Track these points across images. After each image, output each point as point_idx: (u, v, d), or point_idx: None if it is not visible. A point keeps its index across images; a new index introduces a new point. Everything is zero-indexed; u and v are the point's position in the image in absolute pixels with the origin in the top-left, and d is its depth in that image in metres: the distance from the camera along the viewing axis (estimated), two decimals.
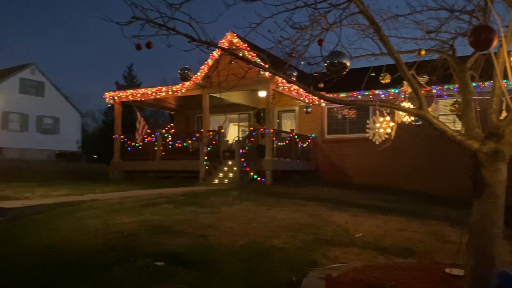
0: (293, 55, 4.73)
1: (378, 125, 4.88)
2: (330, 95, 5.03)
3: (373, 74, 6.04)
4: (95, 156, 37.95)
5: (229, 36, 15.40)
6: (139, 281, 4.26)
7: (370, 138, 4.93)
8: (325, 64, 3.61)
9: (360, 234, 6.66)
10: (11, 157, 29.30)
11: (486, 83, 5.44)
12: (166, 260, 4.90)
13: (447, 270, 4.71)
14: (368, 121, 4.99)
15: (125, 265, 4.69)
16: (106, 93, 18.19)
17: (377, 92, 15.24)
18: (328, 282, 4.42)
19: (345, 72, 3.63)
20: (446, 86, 8.65)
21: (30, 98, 33.92)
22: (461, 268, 4.39)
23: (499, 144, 3.91)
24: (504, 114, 4.27)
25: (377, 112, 4.85)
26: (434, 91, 6.98)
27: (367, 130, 5.00)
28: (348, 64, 3.61)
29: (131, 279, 4.30)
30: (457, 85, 4.94)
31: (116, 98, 17.93)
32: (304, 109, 14.05)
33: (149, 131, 17.06)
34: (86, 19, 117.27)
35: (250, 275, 4.55)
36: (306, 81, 5.06)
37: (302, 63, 4.81)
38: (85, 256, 5.13)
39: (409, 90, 5.76)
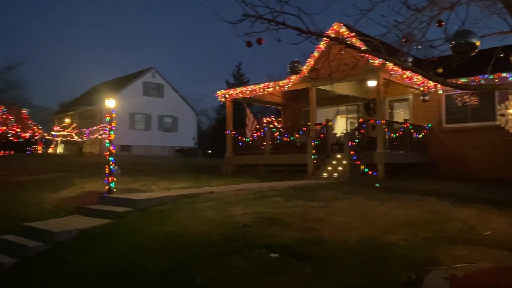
0: (408, 39, 4.44)
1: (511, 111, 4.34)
2: (451, 81, 4.58)
3: (502, 55, 5.39)
4: (209, 151, 40.27)
5: (335, 26, 15.05)
6: (256, 271, 4.40)
7: (502, 126, 4.41)
8: (451, 46, 3.28)
9: (488, 232, 6.03)
10: (137, 153, 32.54)
11: None
12: (279, 252, 4.99)
13: None
14: (498, 107, 4.46)
15: (242, 255, 4.88)
16: (218, 92, 19.14)
17: (504, 75, 13.60)
18: (453, 283, 4.08)
19: (473, 53, 3.26)
20: None
21: (152, 99, 37.22)
22: None
23: None
24: None
25: (510, 97, 4.31)
26: None
27: (498, 118, 4.48)
28: (477, 43, 3.24)
29: (248, 269, 4.46)
30: None
31: (227, 96, 18.77)
32: (421, 97, 13.13)
33: (258, 126, 17.57)
34: (198, 22, 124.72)
35: (366, 271, 4.41)
36: (422, 67, 4.71)
37: (419, 47, 4.48)
38: (206, 245, 5.46)
39: None
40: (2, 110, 17.74)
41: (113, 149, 9.80)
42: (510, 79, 13.50)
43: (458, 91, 14.86)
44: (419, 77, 14.43)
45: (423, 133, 15.93)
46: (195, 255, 5.20)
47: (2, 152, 21.75)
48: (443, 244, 5.42)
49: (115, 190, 9.82)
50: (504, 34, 4.74)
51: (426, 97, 12.74)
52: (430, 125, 16.17)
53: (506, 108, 4.44)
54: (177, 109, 38.82)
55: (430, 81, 14.98)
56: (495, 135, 13.39)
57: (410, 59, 5.68)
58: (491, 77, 13.75)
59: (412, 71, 4.17)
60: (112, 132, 9.84)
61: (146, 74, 37.82)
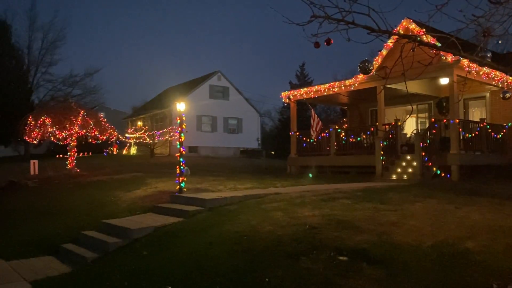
0: (487, 34, 4.16)
1: None
2: None
3: None
4: (273, 152, 40.50)
5: (404, 22, 14.52)
6: (326, 273, 4.37)
7: None
8: None
9: None
10: (204, 154, 33.57)
11: None
12: (349, 255, 4.91)
13: None
14: None
15: (310, 257, 4.87)
16: (282, 93, 19.20)
17: None
18: None
19: None
20: None
21: (217, 102, 38.22)
22: None
23: None
24: None
25: None
26: None
27: None
28: None
29: (318, 271, 4.44)
30: None
31: (291, 97, 18.77)
32: (501, 95, 12.23)
33: (323, 127, 17.37)
34: (262, 23, 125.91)
35: (442, 278, 4.20)
36: (503, 62, 4.41)
37: (500, 42, 4.18)
38: (273, 245, 5.51)
39: None
40: (83, 114, 19.08)
41: (183, 151, 10.19)
42: None
43: None
44: (498, 73, 13.47)
45: (502, 133, 14.85)
46: (263, 255, 5.27)
47: (82, 153, 23.47)
48: None
49: (185, 189, 10.21)
50: None
51: (507, 95, 11.84)
52: (510, 124, 15.03)
53: None
54: (241, 110, 39.53)
55: (510, 77, 13.93)
56: None
57: (489, 55, 5.33)
58: None
59: (491, 67, 3.91)
60: (182, 134, 10.25)
61: (212, 78, 38.92)
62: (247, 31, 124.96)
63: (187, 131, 10.93)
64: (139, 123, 34.49)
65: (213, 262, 5.39)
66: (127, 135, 29.02)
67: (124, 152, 33.69)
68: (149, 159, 26.49)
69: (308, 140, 17.56)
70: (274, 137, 47.59)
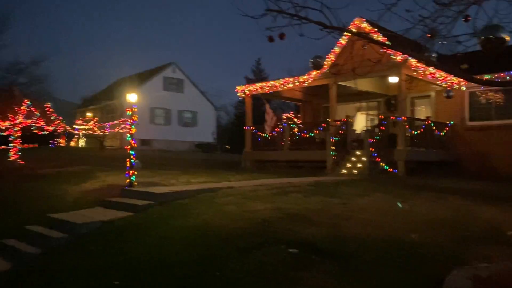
0: (433, 35, 4.35)
1: None
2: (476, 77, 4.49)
3: None
4: (228, 147, 40.45)
5: (357, 21, 14.89)
6: (278, 266, 4.42)
7: None
8: (479, 41, 3.22)
9: None
10: (157, 148, 32.93)
11: None
12: (299, 248, 4.99)
13: None
14: None
15: (263, 250, 4.90)
16: (237, 87, 19.18)
17: None
18: (476, 282, 4.01)
19: (502, 49, 3.19)
20: None
21: (172, 94, 37.56)
22: None
23: None
24: None
25: None
26: None
27: None
28: (507, 38, 3.16)
29: (270, 264, 4.48)
30: None
31: (246, 91, 18.79)
32: (445, 94, 12.87)
33: (278, 123, 17.55)
34: (218, 17, 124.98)
35: (389, 269, 4.37)
36: (447, 63, 4.63)
37: (444, 43, 4.39)
38: (226, 239, 5.50)
39: None
40: (28, 104, 18.12)
41: (134, 143, 9.93)
42: None
43: (482, 87, 14.52)
44: (442, 73, 14.15)
45: (445, 131, 15.65)
46: (216, 250, 5.25)
47: (27, 145, 22.32)
48: (467, 243, 5.33)
49: (136, 183, 9.96)
50: None
51: (451, 94, 12.48)
52: (452, 122, 15.88)
53: None
54: (197, 104, 39.12)
55: (454, 78, 14.69)
56: None
57: (434, 55, 5.58)
58: None
59: (437, 67, 4.10)
60: (133, 126, 9.98)
61: (167, 69, 38.19)
62: (204, 23, 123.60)
63: (138, 124, 10.66)
64: (89, 114, 33.24)
65: (164, 257, 5.30)
66: (75, 126, 27.87)
67: (72, 144, 32.38)
68: (98, 151, 25.64)
69: (262, 135, 17.68)
70: (230, 131, 47.60)
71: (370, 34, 11.83)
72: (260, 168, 16.76)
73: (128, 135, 10.01)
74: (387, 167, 13.34)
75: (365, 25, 14.46)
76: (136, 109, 10.05)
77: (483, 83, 3.73)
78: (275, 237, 5.45)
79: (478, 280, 4.06)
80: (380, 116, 15.39)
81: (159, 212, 7.66)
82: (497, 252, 5.02)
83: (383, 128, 14.33)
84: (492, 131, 14.99)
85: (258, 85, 18.62)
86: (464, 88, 15.42)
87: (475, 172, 14.26)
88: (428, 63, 4.14)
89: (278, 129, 17.24)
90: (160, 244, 5.84)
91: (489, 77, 13.67)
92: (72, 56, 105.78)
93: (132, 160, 9.81)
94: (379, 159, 13.41)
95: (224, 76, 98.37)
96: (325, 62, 15.22)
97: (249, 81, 42.31)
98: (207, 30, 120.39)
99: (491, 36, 3.18)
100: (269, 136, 17.40)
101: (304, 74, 16.46)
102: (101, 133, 28.07)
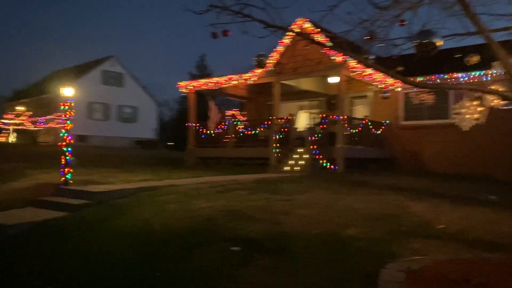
0: (371, 37, 4.53)
1: (466, 110, 4.53)
2: (410, 79, 4.73)
3: (459, 55, 5.62)
4: (171, 143, 39.71)
5: (299, 21, 15.11)
6: (219, 264, 4.38)
7: (457, 124, 4.59)
8: (414, 45, 3.38)
9: (442, 226, 6.29)
10: (95, 144, 31.58)
11: None
12: (242, 246, 4.99)
13: None
14: (454, 106, 4.66)
15: (205, 249, 4.85)
16: (180, 83, 18.83)
17: (457, 75, 14.22)
18: (409, 275, 4.22)
19: (435, 53, 3.37)
20: None
21: (111, 88, 36.16)
22: None
23: None
24: None
25: (465, 97, 4.50)
26: None
27: (453, 116, 4.66)
28: (439, 43, 3.35)
29: (211, 262, 4.44)
30: None
31: (189, 87, 18.51)
32: (381, 95, 13.48)
33: (221, 119, 17.49)
34: (162, 11, 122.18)
35: (327, 263, 4.49)
36: (384, 64, 4.83)
37: (382, 45, 4.59)
38: (167, 239, 5.38)
39: (498, 71, 5.29)
40: None
41: (69, 139, 9.45)
42: (462, 79, 14.16)
43: (416, 89, 15.37)
44: (379, 74, 14.80)
45: (381, 129, 16.40)
46: (157, 250, 5.12)
47: None
48: (401, 237, 5.60)
49: (71, 181, 9.49)
50: (460, 36, 4.92)
51: (386, 95, 13.11)
52: (388, 121, 16.68)
53: (461, 107, 4.63)
54: (138, 99, 38.00)
55: (390, 79, 15.41)
56: (449, 132, 14.04)
57: (372, 57, 5.80)
58: (446, 76, 14.34)
59: (375, 68, 4.26)
60: (69, 122, 9.49)
61: (106, 63, 36.68)
62: (148, 18, 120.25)
63: (75, 119, 10.14)
64: (20, 108, 31.17)
65: (102, 259, 5.08)
66: (5, 121, 26.03)
67: (2, 139, 30.23)
68: (31, 147, 24.11)
69: (206, 131, 17.53)
70: (173, 128, 46.70)
71: (312, 34, 12.10)
72: (203, 165, 16.62)
73: (63, 130, 9.51)
74: (328, 164, 13.75)
75: (307, 25, 14.74)
76: (72, 104, 9.57)
77: (416, 85, 3.94)
78: (218, 235, 5.42)
79: (410, 272, 4.28)
80: (321, 115, 15.81)
81: (97, 211, 7.35)
82: (428, 245, 5.33)
83: (324, 126, 14.74)
84: (424, 130, 15.93)
85: (202, 81, 18.42)
86: (399, 89, 16.24)
87: (408, 168, 15.11)
88: (366, 65, 4.30)
89: (222, 126, 17.18)
90: (97, 245, 5.59)
91: (422, 79, 14.50)
92: (4, 45, 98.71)
93: (67, 157, 9.33)
94: (320, 156, 13.79)
95: (167, 71, 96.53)
96: (268, 61, 15.35)
97: (193, 77, 41.82)
98: (150, 25, 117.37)
99: (425, 41, 3.36)
100: (213, 133, 17.30)
101: (248, 72, 16.51)
102: (34, 128, 26.44)
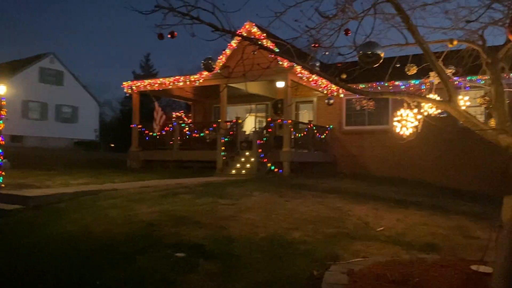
0: (317, 45, 4.63)
1: (405, 117, 4.75)
2: (352, 86, 4.89)
3: (398, 65, 5.89)
4: (113, 145, 38.37)
5: (247, 25, 15.24)
6: (162, 271, 4.27)
7: (397, 131, 4.81)
8: (358, 55, 3.49)
9: (381, 228, 6.56)
10: (31, 145, 29.82)
11: None
12: (187, 251, 4.90)
13: (474, 267, 4.58)
14: (395, 113, 4.87)
15: (147, 255, 4.71)
16: (124, 83, 18.26)
17: (397, 83, 14.96)
18: (351, 276, 4.35)
19: (378, 64, 3.51)
20: (469, 78, 8.35)
21: (49, 87, 34.35)
22: (489, 266, 4.28)
23: None
24: None
25: (405, 105, 4.72)
26: (456, 82, 6.75)
27: (394, 123, 4.87)
28: (382, 55, 3.49)
29: (155, 269, 4.31)
30: (480, 77, 4.79)
31: (134, 87, 18.00)
32: (326, 101, 13.84)
33: (167, 121, 17.16)
34: (106, 9, 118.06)
35: (272, 268, 4.52)
36: (328, 71, 4.95)
37: (327, 53, 4.71)
38: (108, 245, 5.16)
39: (432, 81, 5.61)
40: None
41: (2, 140, 8.85)
42: (402, 87, 14.91)
43: (358, 96, 15.98)
44: (324, 81, 15.23)
45: (325, 134, 16.87)
46: (97, 257, 4.89)
47: None
48: (343, 239, 5.77)
49: (3, 185, 8.89)
50: (400, 46, 5.16)
51: (331, 101, 13.52)
52: (331, 126, 17.19)
53: (400, 115, 4.85)
54: (78, 98, 36.41)
55: (334, 85, 15.91)
56: (388, 138, 14.68)
57: (317, 64, 5.94)
58: (387, 84, 15.03)
59: (319, 75, 4.36)
60: (1, 122, 8.88)
61: (44, 60, 34.81)
62: (92, 15, 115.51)
63: (7, 118, 9.52)
64: None
65: (38, 267, 4.77)
66: None
67: None
68: None
69: (151, 133, 17.11)
70: (115, 129, 45.10)
71: (260, 39, 12.21)
72: (148, 169, 16.20)
73: None
74: (274, 168, 13.91)
75: (255, 30, 14.88)
76: (4, 102, 8.97)
77: (357, 92, 4.09)
78: (162, 241, 5.29)
79: (352, 274, 4.41)
80: (268, 118, 16.00)
81: (32, 217, 6.92)
82: (369, 247, 5.53)
83: (270, 130, 14.91)
84: (365, 135, 16.59)
85: (147, 81, 17.97)
86: (342, 96, 16.80)
87: (350, 172, 15.64)
88: (312, 71, 4.39)
89: (167, 128, 16.85)
90: (31, 253, 5.25)
91: (364, 86, 15.10)
92: None
93: None
94: (267, 160, 13.92)
95: (111, 70, 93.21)
96: (216, 63, 15.28)
97: (137, 77, 40.75)
98: (93, 22, 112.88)
99: (368, 52, 3.49)
100: (157, 135, 16.92)
101: (196, 74, 16.34)
102: None
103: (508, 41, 4.34)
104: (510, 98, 4.64)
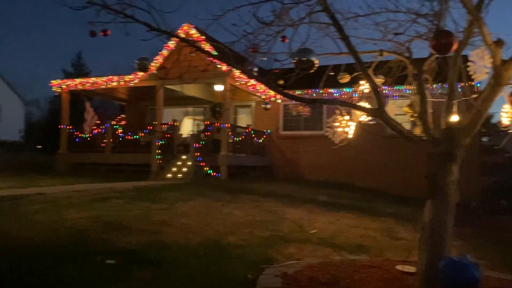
0: (255, 50, 4.66)
1: (338, 124, 4.93)
2: (289, 92, 4.99)
3: (332, 73, 6.09)
4: (40, 147, 36.09)
5: (185, 27, 15.04)
6: (91, 280, 4.05)
7: (330, 137, 4.97)
8: (294, 61, 3.56)
9: (314, 231, 6.74)
10: None
11: (434, 85, 5.68)
12: (119, 258, 4.70)
13: (399, 267, 4.85)
14: (327, 120, 5.03)
15: (75, 264, 4.45)
16: (53, 81, 17.27)
17: (331, 90, 15.53)
18: (284, 279, 4.41)
19: (313, 70, 3.60)
20: (396, 87, 8.87)
21: None
22: (412, 265, 4.55)
23: (452, 146, 4.06)
24: (455, 116, 4.42)
25: (337, 111, 4.90)
26: (385, 91, 7.12)
27: (326, 129, 5.03)
28: (316, 62, 3.59)
29: (83, 278, 4.08)
30: (406, 86, 5.09)
31: (63, 86, 17.07)
32: (263, 105, 14.06)
33: (98, 122, 16.45)
34: (34, 2, 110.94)
35: (207, 273, 4.46)
36: (265, 77, 5.02)
37: (264, 59, 4.76)
38: (31, 254, 4.81)
39: (362, 90, 5.87)
40: None
41: None
42: (336, 94, 15.50)
43: (294, 101, 16.38)
44: (262, 86, 15.43)
45: (263, 138, 17.08)
46: (17, 267, 4.52)
47: None
48: (277, 243, 5.85)
49: None
50: (334, 54, 5.34)
51: (267, 106, 13.75)
52: (269, 131, 17.44)
53: (334, 121, 5.02)
54: (1, 96, 33.86)
55: (271, 91, 16.17)
56: (322, 143, 15.17)
57: (255, 69, 5.99)
58: (321, 91, 15.54)
59: (257, 80, 4.40)
60: None
61: None
62: (19, 9, 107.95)
63: None
64: None
65: None
66: None
67: None
68: None
69: (81, 135, 16.31)
70: (43, 129, 42.42)
71: (198, 41, 12.09)
72: (78, 172, 15.40)
73: None
74: (211, 171, 13.82)
75: (193, 31, 14.73)
76: None
77: (292, 98, 4.17)
78: (92, 248, 5.02)
79: (286, 276, 4.48)
80: (206, 122, 15.88)
81: None
82: (302, 250, 5.66)
83: (209, 133, 14.81)
84: (300, 140, 17.02)
85: (78, 80, 17.14)
86: (279, 101, 17.12)
87: (286, 176, 15.98)
88: (249, 76, 4.42)
89: (99, 130, 16.15)
90: None
91: (300, 92, 15.49)
92: None
93: None
94: (204, 164, 13.80)
95: (40, 68, 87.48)
96: (152, 64, 14.93)
97: (68, 75, 38.68)
98: (21, 17, 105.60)
99: (304, 59, 3.57)
100: (89, 136, 16.17)
101: (131, 74, 15.83)
102: None
103: (431, 54, 4.65)
104: (433, 108, 4.96)
